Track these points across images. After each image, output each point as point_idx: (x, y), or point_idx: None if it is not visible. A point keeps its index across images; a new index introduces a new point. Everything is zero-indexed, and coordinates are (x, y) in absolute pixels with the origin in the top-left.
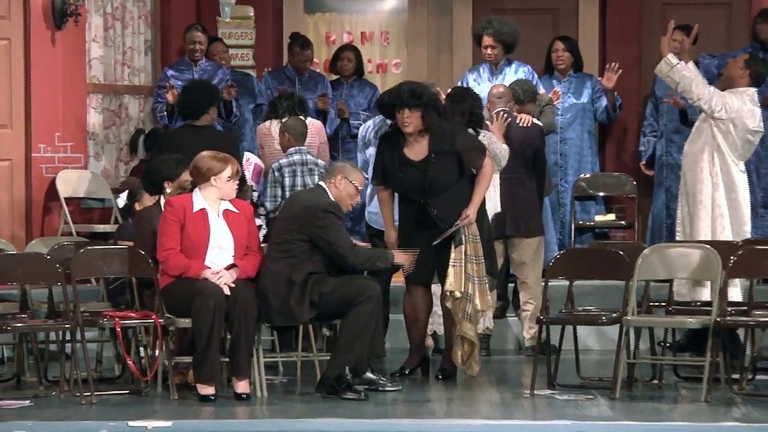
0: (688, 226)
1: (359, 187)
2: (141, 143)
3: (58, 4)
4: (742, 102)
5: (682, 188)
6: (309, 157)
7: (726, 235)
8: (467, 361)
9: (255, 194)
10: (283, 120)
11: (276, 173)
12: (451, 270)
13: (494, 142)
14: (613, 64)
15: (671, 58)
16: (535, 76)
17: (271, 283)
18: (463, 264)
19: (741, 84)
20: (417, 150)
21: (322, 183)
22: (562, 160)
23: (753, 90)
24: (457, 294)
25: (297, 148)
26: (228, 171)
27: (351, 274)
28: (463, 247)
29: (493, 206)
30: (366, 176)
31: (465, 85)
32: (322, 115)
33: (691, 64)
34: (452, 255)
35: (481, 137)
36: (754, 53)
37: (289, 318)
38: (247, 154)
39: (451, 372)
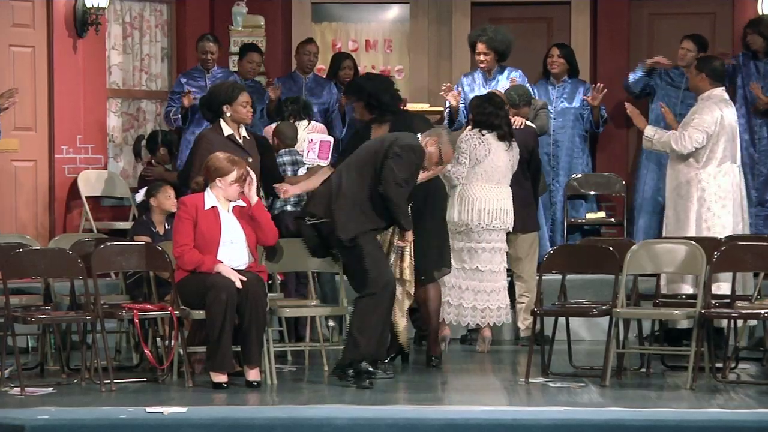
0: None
1: (443, 158)
2: (143, 147)
3: (80, 13)
4: (711, 111)
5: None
6: (299, 157)
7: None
8: (397, 333)
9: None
10: (277, 124)
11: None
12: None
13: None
14: (599, 84)
15: (647, 132)
16: (526, 79)
17: (345, 201)
18: (389, 231)
19: (705, 87)
20: (379, 133)
21: (419, 135)
22: (554, 161)
23: (719, 90)
24: None
25: (287, 149)
26: (233, 175)
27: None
28: None
29: None
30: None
31: (461, 89)
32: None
33: (651, 128)
34: None
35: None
36: (702, 57)
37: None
38: (309, 136)
39: (437, 359)
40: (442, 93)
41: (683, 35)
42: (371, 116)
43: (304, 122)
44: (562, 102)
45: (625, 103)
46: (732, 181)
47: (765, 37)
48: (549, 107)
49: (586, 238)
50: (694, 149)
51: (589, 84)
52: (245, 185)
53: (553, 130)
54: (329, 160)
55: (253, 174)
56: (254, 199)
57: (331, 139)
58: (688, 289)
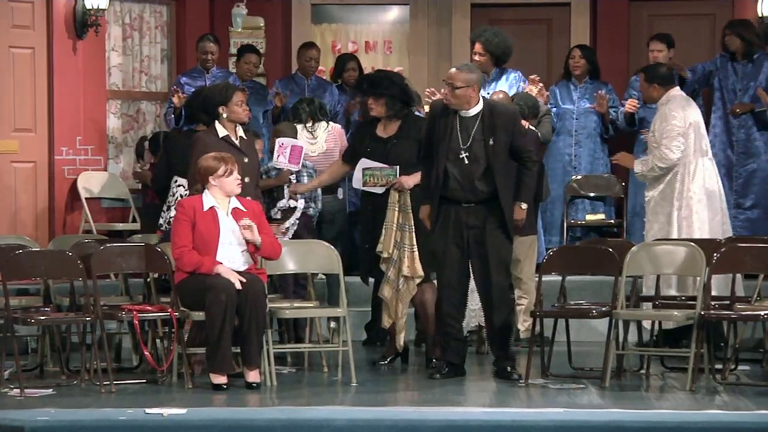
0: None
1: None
2: (146, 148)
3: (80, 15)
4: (674, 116)
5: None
6: None
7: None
8: (396, 332)
9: (293, 177)
10: (277, 125)
11: (263, 175)
12: (383, 231)
13: None
14: (602, 92)
15: (636, 169)
16: (527, 81)
17: None
18: (393, 228)
19: (660, 95)
20: (387, 130)
21: None
22: (576, 161)
23: (674, 90)
24: (385, 254)
25: None
26: (221, 170)
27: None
28: (396, 212)
29: None
30: None
31: None
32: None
33: (638, 163)
34: (386, 217)
35: None
36: (646, 68)
37: None
38: (279, 140)
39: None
40: (425, 98)
41: (651, 36)
42: (390, 112)
43: (323, 123)
44: (585, 102)
45: (610, 158)
46: (704, 175)
47: (743, 39)
48: (572, 106)
49: (585, 239)
50: (680, 154)
51: (611, 86)
52: (245, 231)
53: (575, 131)
54: (299, 166)
55: (251, 224)
56: (258, 240)
57: (303, 145)
58: (673, 291)
